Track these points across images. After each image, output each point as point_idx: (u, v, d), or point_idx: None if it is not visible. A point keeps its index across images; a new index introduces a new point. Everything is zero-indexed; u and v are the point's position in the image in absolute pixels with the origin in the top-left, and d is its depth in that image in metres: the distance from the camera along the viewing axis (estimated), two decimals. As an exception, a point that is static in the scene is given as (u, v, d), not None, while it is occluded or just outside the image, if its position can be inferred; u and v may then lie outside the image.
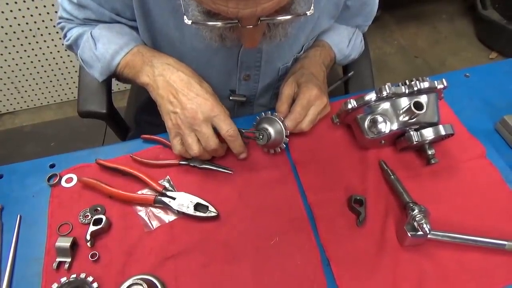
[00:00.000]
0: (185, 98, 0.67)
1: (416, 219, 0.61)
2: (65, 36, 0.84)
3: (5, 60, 1.75)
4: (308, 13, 0.55)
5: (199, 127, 0.67)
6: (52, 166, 0.75)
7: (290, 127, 0.72)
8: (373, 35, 0.97)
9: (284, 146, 0.73)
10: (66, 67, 1.87)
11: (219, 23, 0.55)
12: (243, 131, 0.71)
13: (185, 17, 0.55)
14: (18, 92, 1.93)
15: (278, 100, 0.77)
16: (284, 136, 0.71)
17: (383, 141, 0.74)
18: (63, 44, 1.71)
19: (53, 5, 1.59)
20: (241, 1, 0.47)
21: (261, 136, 0.72)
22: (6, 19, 1.59)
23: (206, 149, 0.69)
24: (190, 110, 0.66)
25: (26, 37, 1.68)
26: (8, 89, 1.89)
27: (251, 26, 0.54)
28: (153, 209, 0.69)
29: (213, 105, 0.67)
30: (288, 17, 0.55)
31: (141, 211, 0.69)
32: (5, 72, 1.80)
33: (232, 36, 0.63)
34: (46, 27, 1.66)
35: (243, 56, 0.80)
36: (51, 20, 1.64)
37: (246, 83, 0.87)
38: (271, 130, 0.72)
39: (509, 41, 2.13)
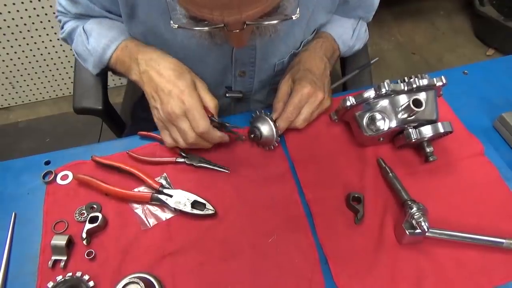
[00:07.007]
0: (163, 93, 0.67)
1: (415, 217, 0.61)
2: (62, 28, 0.86)
3: (0, 55, 1.73)
4: (293, 17, 0.55)
5: (176, 122, 0.67)
6: (47, 163, 0.74)
7: (283, 126, 0.73)
8: (370, 31, 0.96)
9: (276, 144, 0.74)
10: (62, 62, 1.85)
11: (205, 28, 0.55)
12: (227, 125, 0.71)
13: (171, 21, 0.55)
14: (13, 88, 1.91)
15: (275, 97, 0.77)
16: (276, 135, 0.72)
17: (381, 139, 0.73)
18: (58, 39, 1.72)
19: (48, -1, 1.57)
20: (225, 10, 0.48)
21: (243, 137, 0.75)
22: (0, 13, 1.57)
23: (186, 143, 0.68)
24: (166, 105, 0.66)
25: (20, 32, 1.66)
26: (3, 84, 1.87)
27: (237, 30, 0.54)
28: (150, 207, 0.69)
29: (186, 99, 0.65)
30: (274, 22, 0.55)
31: (138, 209, 0.68)
32: (-1, 67, 1.78)
33: (221, 34, 0.63)
34: (41, 22, 1.64)
35: (237, 53, 0.79)
36: (46, 14, 1.62)
37: (242, 79, 0.87)
38: (262, 129, 0.73)
39: (506, 37, 2.13)
